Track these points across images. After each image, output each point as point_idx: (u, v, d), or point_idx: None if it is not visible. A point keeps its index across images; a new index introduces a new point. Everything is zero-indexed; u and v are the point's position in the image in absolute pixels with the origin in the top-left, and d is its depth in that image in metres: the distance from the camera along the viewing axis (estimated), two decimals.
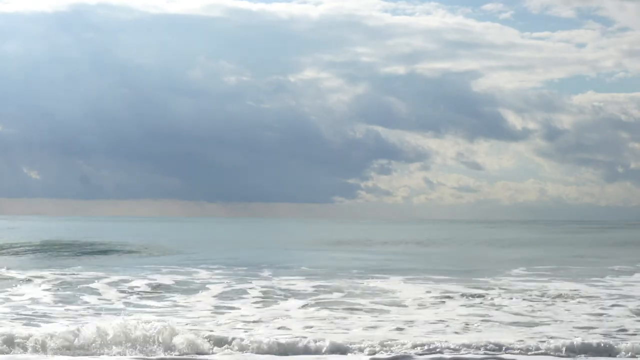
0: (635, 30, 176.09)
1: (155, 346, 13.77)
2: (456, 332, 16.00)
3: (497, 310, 19.36)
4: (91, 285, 23.82)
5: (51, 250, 42.63)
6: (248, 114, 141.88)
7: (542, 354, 13.80)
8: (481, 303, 20.65)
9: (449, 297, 21.81)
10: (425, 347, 13.88)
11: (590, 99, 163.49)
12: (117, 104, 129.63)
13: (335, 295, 22.13)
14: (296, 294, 22.21)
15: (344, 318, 17.87)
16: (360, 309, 19.35)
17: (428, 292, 22.85)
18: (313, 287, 23.97)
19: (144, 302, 20.83)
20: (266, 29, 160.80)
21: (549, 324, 17.08)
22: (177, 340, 13.90)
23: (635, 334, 15.86)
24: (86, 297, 21.32)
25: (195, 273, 28.89)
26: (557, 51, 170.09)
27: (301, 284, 24.68)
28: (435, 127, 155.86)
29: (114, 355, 13.48)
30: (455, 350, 13.84)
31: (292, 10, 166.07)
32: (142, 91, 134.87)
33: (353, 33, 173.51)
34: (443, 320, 17.46)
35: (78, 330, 14.21)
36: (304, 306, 19.90)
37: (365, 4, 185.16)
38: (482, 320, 17.56)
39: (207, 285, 24.22)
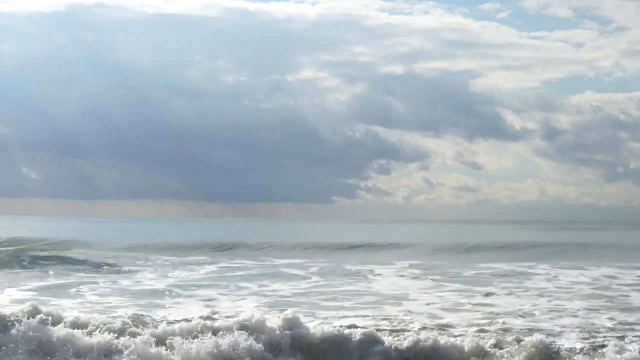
0: (633, 29, 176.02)
1: None
2: None
3: None
4: None
5: None
6: (246, 114, 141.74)
7: None
8: None
9: None
10: None
11: (588, 98, 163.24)
12: (115, 104, 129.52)
13: None
14: None
15: None
16: None
17: None
18: None
19: None
20: (263, 29, 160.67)
21: None
22: None
23: None
24: None
25: None
26: (555, 51, 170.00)
27: None
28: (434, 127, 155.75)
29: None
30: None
31: (289, 9, 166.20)
32: (139, 91, 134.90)
33: (350, 32, 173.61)
34: None
35: None
36: None
37: (362, 3, 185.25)
38: None
39: None
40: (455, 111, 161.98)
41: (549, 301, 21.59)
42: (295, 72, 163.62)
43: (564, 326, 17.18)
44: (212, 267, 33.23)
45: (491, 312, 19.33)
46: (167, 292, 23.09)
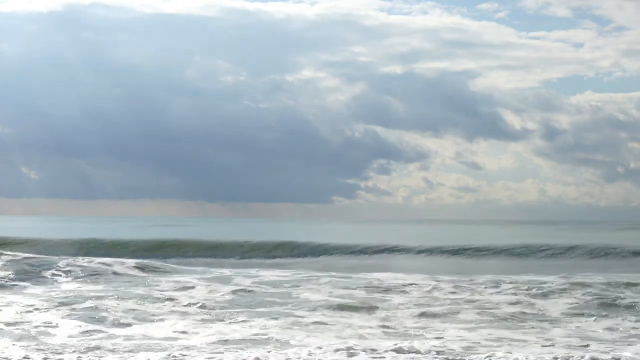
0: (633, 29, 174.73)
1: None
2: None
3: None
4: None
5: None
6: (245, 114, 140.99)
7: None
8: None
9: None
10: None
11: (588, 98, 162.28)
12: (114, 104, 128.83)
13: None
14: None
15: None
16: None
17: None
18: None
19: None
20: (262, 29, 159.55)
21: None
22: None
23: None
24: None
25: None
26: (554, 51, 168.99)
27: None
28: (434, 126, 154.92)
29: None
30: None
31: (288, 9, 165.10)
32: (138, 91, 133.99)
33: (349, 32, 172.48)
34: None
35: None
36: None
37: (361, 3, 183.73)
38: None
39: None
40: (454, 111, 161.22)
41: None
42: (294, 72, 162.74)
43: None
44: None
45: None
46: None
